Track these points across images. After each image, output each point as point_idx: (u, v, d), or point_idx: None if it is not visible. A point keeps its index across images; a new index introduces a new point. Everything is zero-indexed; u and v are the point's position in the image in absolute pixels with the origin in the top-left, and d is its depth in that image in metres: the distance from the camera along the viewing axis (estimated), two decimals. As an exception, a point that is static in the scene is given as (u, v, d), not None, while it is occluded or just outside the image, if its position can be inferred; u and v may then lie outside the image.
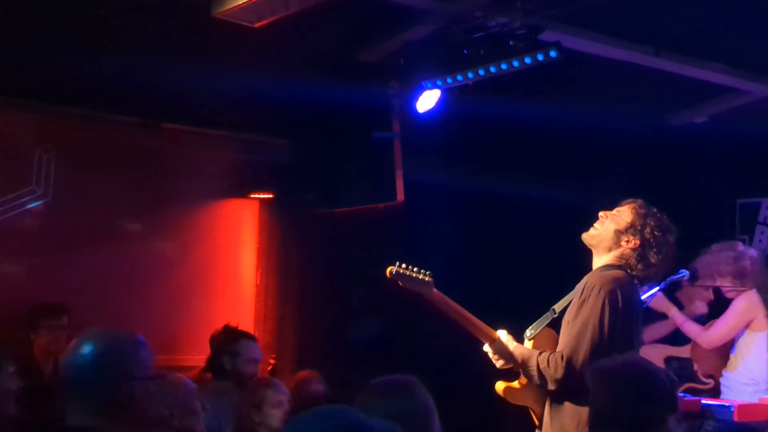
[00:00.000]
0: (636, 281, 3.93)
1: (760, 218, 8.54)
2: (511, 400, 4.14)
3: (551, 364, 3.74)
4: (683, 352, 6.61)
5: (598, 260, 4.04)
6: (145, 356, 2.80)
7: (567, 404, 3.78)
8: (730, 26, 6.07)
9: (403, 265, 4.06)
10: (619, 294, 3.75)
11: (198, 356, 5.84)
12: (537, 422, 4.07)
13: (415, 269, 4.05)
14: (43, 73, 5.84)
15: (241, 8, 5.04)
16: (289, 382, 5.41)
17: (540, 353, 3.84)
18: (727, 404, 5.03)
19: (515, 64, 5.45)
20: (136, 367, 2.76)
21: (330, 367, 6.44)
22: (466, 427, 6.81)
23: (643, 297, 4.27)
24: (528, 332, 4.08)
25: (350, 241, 7.31)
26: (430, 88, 6.16)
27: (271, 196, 7.52)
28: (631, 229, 3.92)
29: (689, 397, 5.24)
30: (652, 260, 3.91)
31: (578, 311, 3.77)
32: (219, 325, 5.49)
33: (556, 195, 8.14)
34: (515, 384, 4.10)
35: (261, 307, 7.52)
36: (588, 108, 6.76)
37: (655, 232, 3.92)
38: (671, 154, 8.15)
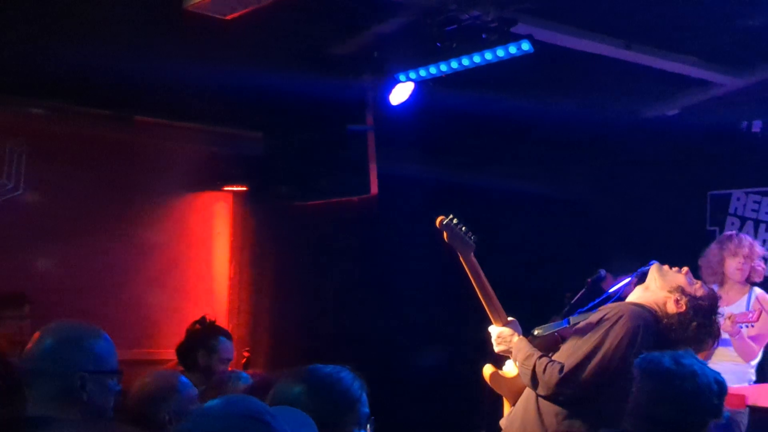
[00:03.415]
0: (655, 330, 3.87)
1: (731, 210, 8.61)
2: (493, 387, 4.13)
3: (548, 371, 3.71)
4: None
5: (645, 291, 3.98)
6: (102, 350, 2.81)
7: (546, 411, 3.77)
8: (701, 19, 6.11)
9: (455, 220, 4.05)
10: (641, 333, 3.74)
11: (171, 349, 5.81)
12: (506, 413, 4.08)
13: (463, 228, 4.02)
14: (13, 66, 5.79)
15: (213, 1, 5.02)
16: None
17: (541, 356, 3.81)
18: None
19: (488, 56, 5.47)
20: (92, 361, 2.78)
21: (303, 360, 6.44)
22: (441, 418, 6.86)
23: (613, 288, 4.25)
24: (536, 331, 4.03)
25: (324, 234, 7.31)
26: (404, 81, 6.17)
27: (244, 188, 7.50)
28: (692, 300, 3.85)
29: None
30: (676, 333, 3.81)
31: (594, 331, 3.74)
32: (192, 319, 5.46)
33: (529, 187, 8.17)
34: (506, 373, 4.10)
35: (234, 299, 7.51)
36: (561, 100, 6.79)
37: (701, 323, 3.83)
38: (643, 146, 8.19)
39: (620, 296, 4.36)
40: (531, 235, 7.76)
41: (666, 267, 4.01)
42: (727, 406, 5.22)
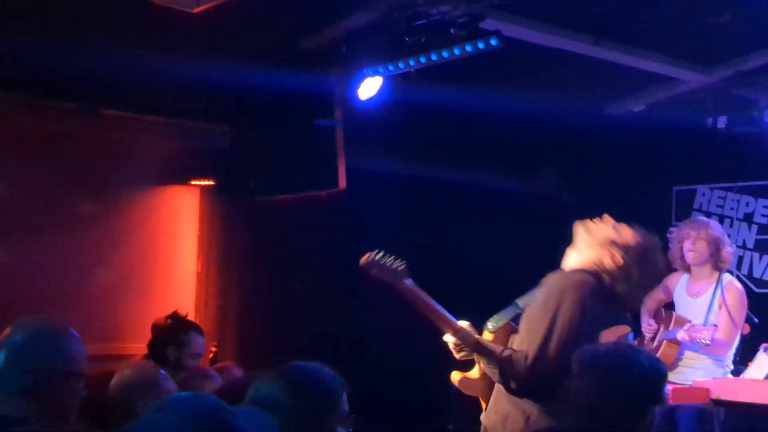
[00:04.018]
0: (602, 292, 3.84)
1: (696, 205, 8.70)
2: (465, 391, 4.11)
3: (514, 363, 3.67)
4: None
5: (577, 254, 3.91)
6: (73, 351, 2.78)
7: (520, 399, 3.76)
8: (667, 16, 6.16)
9: (379, 254, 4.00)
10: (588, 300, 3.70)
11: (137, 344, 5.78)
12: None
13: (389, 258, 4.00)
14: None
15: (180, -7, 4.99)
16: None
17: (503, 350, 3.75)
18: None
19: (456, 52, 5.48)
20: (62, 360, 2.75)
21: (271, 357, 6.43)
22: (408, 417, 6.87)
23: None
24: (489, 325, 3.97)
25: (292, 229, 7.29)
26: (372, 76, 6.16)
27: (212, 183, 7.46)
28: (626, 248, 3.78)
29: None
30: (621, 287, 3.78)
31: (544, 312, 3.70)
32: (159, 314, 5.43)
33: (497, 182, 8.20)
34: (472, 374, 4.08)
35: (202, 294, 7.47)
36: (529, 96, 6.82)
37: (642, 269, 3.82)
38: (610, 142, 8.25)
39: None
40: (498, 230, 7.78)
41: (589, 222, 3.93)
42: (693, 401, 5.35)
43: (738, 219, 8.39)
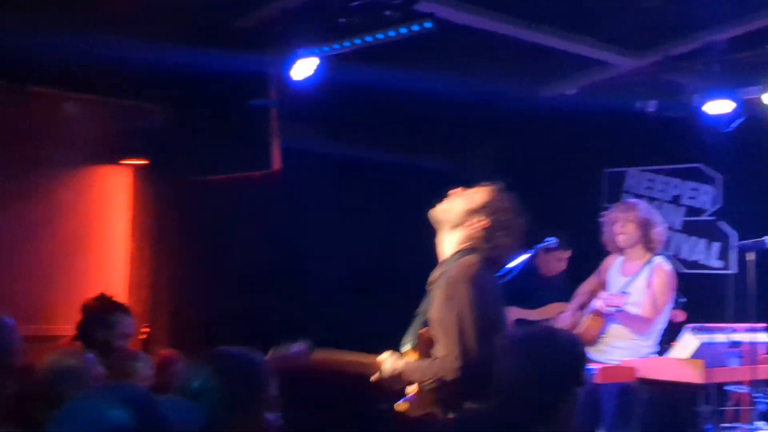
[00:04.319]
0: (488, 262, 3.88)
1: (625, 187, 8.87)
2: (414, 414, 4.06)
3: (446, 370, 3.67)
4: (532, 314, 6.81)
5: (445, 242, 3.95)
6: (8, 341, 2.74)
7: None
8: (598, 1, 6.25)
9: (278, 347, 3.96)
10: (482, 280, 3.74)
11: (68, 326, 5.70)
12: None
13: (287, 344, 3.97)
14: None
15: (112, -30, 4.91)
16: (163, 353, 5.34)
17: (431, 362, 3.75)
18: (590, 367, 5.21)
19: (391, 34, 5.50)
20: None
21: (204, 338, 6.42)
22: (346, 398, 6.88)
23: (511, 264, 4.29)
24: (407, 344, 3.92)
25: (226, 209, 7.25)
26: (307, 56, 6.14)
27: (144, 162, 7.38)
28: (483, 209, 3.85)
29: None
30: (501, 242, 3.88)
31: (449, 310, 3.71)
32: (90, 295, 5.38)
33: (432, 164, 8.25)
34: (411, 390, 4.04)
35: (134, 275, 7.40)
36: (464, 78, 6.86)
37: (506, 217, 3.88)
38: (543, 125, 8.35)
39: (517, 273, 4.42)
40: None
41: (442, 204, 3.98)
42: (619, 380, 5.46)
43: (666, 201, 8.57)
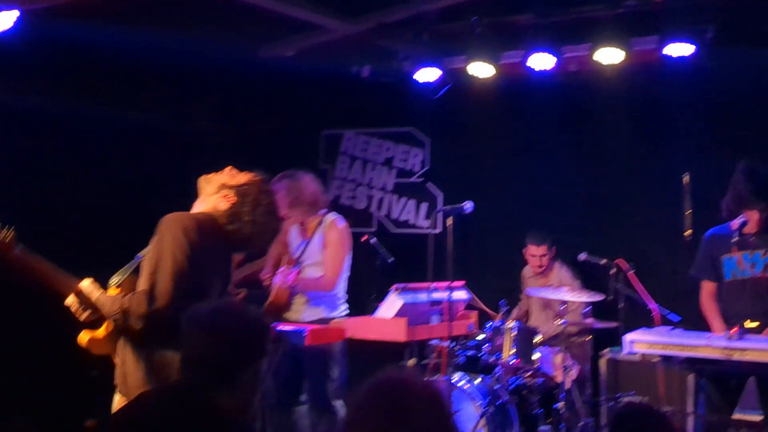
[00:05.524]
0: (217, 229, 3.98)
1: (342, 149, 9.12)
2: (95, 351, 4.08)
3: (134, 302, 3.74)
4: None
5: (198, 204, 4.13)
6: None
7: (141, 352, 3.80)
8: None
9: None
10: (189, 227, 3.84)
11: None
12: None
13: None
14: None
15: None
16: None
17: (125, 295, 3.82)
18: (300, 329, 5.35)
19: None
20: None
21: None
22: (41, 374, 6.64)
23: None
24: (113, 280, 3.99)
25: None
26: (7, 9, 5.78)
27: None
28: (237, 188, 4.05)
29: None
30: (240, 222, 4.04)
31: (153, 250, 3.81)
32: None
33: (151, 122, 8.05)
34: (99, 332, 4.04)
35: None
36: (182, 37, 6.74)
37: (256, 202, 4.07)
38: (263, 86, 8.39)
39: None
40: (152, 169, 7.67)
41: (209, 174, 4.18)
42: (330, 340, 5.65)
43: (380, 163, 8.91)
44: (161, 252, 3.78)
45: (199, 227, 3.88)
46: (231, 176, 4.13)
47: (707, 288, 5.73)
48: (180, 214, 3.94)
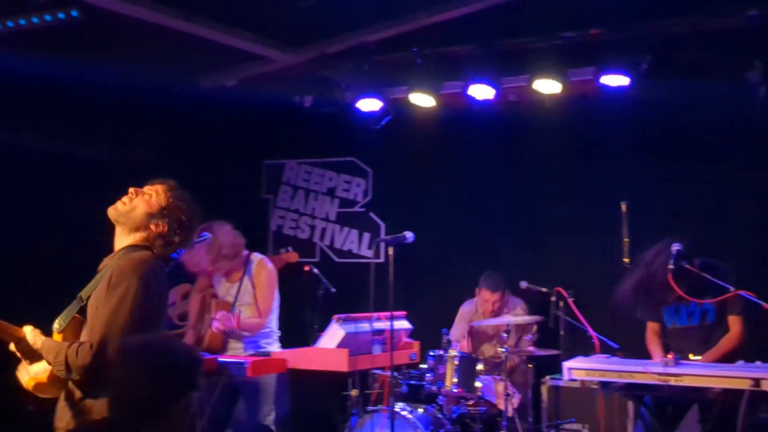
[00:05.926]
0: (159, 259, 3.90)
1: (284, 179, 9.10)
2: (40, 395, 3.95)
3: (80, 354, 3.57)
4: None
5: (122, 239, 3.88)
6: None
7: (86, 397, 3.71)
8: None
9: None
10: (151, 278, 3.72)
11: None
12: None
13: None
14: None
15: None
16: None
17: (70, 345, 3.62)
18: (242, 360, 5.30)
19: (35, 20, 5.25)
20: None
21: None
22: None
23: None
24: (56, 325, 3.82)
25: None
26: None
27: None
28: (162, 212, 3.84)
29: (207, 356, 5.44)
30: (176, 241, 3.94)
31: (109, 297, 3.61)
32: None
33: (91, 153, 7.95)
34: (43, 377, 3.92)
35: None
36: (123, 68, 6.69)
37: (183, 218, 3.95)
38: (204, 116, 8.35)
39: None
40: (88, 203, 7.55)
41: (120, 205, 3.91)
42: (272, 371, 5.62)
43: (322, 193, 8.90)
44: (117, 306, 3.58)
45: (154, 273, 3.75)
46: (148, 202, 3.89)
47: (652, 327, 5.82)
48: (137, 261, 3.73)
